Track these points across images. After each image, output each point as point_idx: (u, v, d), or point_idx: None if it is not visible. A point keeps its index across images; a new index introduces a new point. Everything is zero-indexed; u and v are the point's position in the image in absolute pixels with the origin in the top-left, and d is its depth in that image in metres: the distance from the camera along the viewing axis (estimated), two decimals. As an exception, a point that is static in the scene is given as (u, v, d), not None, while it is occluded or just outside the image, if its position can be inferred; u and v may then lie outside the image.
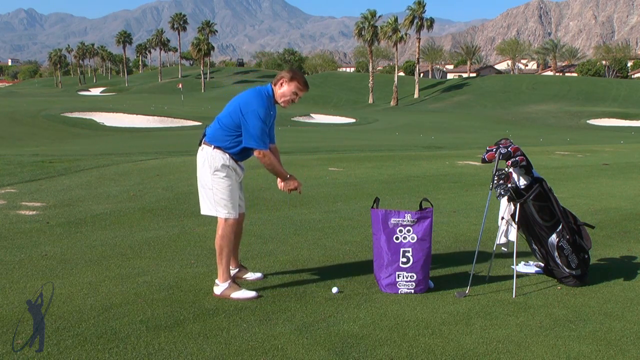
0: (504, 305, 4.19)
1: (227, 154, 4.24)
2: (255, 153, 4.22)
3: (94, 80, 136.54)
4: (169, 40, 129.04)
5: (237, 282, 4.41)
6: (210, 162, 4.23)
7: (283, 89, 4.25)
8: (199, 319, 3.79)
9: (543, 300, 4.31)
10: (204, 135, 4.33)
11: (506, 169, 4.55)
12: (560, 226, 4.59)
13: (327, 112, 57.23)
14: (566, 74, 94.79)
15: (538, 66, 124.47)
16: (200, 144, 4.33)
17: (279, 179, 4.47)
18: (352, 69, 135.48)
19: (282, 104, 4.30)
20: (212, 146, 4.23)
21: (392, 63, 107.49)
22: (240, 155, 4.31)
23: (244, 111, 4.15)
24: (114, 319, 3.72)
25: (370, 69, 76.44)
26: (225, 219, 4.26)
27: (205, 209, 4.34)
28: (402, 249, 4.40)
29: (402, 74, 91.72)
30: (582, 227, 4.75)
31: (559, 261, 4.63)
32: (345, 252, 5.50)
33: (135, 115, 44.95)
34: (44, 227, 6.20)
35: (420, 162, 13.31)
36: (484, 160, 4.53)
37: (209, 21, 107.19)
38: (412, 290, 4.39)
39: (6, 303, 3.96)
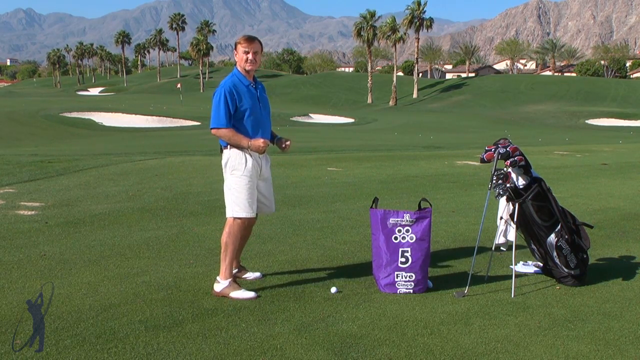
0: (503, 305, 4.19)
1: (242, 150, 4.27)
2: (212, 132, 4.31)
3: (93, 80, 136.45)
4: (167, 40, 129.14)
5: (237, 281, 4.41)
6: (230, 162, 4.30)
7: (237, 57, 4.36)
8: (197, 319, 3.79)
9: (542, 300, 4.31)
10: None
11: (505, 169, 4.55)
12: (559, 226, 4.60)
13: (325, 112, 57.24)
14: (565, 74, 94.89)
15: (537, 66, 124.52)
16: (221, 151, 4.40)
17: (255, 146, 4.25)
18: (351, 69, 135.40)
19: (247, 68, 4.33)
20: (228, 147, 4.31)
21: (391, 63, 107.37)
22: (250, 131, 4.29)
23: None
24: (112, 319, 3.72)
25: (369, 69, 76.33)
26: (235, 217, 4.28)
27: (227, 210, 4.35)
28: (400, 249, 4.40)
29: (400, 73, 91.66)
30: (580, 226, 4.75)
31: (557, 261, 4.63)
32: (344, 252, 5.50)
33: (134, 115, 44.95)
34: (43, 227, 6.20)
35: (419, 162, 13.31)
36: (482, 160, 4.54)
37: (208, 21, 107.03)
38: (411, 290, 4.39)
39: (5, 303, 3.95)
